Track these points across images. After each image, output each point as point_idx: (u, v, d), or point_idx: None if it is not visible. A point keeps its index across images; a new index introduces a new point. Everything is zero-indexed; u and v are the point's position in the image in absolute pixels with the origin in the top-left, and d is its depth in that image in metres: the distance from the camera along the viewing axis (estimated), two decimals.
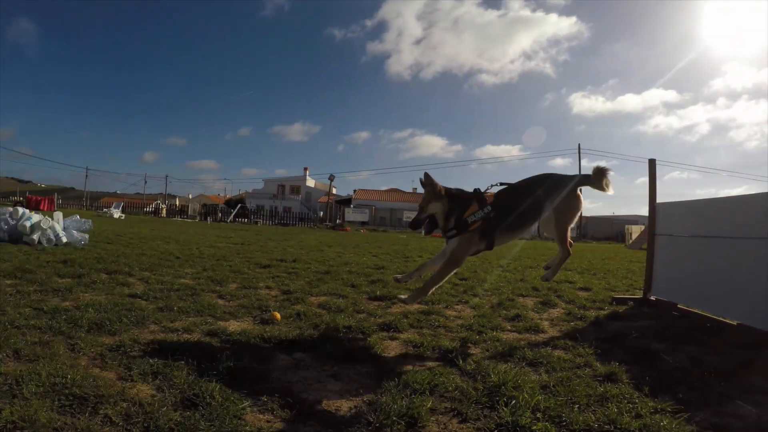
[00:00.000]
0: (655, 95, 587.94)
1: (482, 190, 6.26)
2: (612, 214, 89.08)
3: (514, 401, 3.77)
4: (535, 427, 3.39)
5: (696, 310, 7.76)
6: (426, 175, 6.15)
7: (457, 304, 8.00)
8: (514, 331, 6.37)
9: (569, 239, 6.48)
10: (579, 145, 73.60)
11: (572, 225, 6.54)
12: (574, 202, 6.37)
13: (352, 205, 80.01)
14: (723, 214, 7.60)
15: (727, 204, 7.83)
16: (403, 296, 6.55)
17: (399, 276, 6.82)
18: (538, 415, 3.60)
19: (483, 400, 3.87)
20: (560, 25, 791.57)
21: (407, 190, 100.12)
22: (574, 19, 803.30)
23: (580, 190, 6.40)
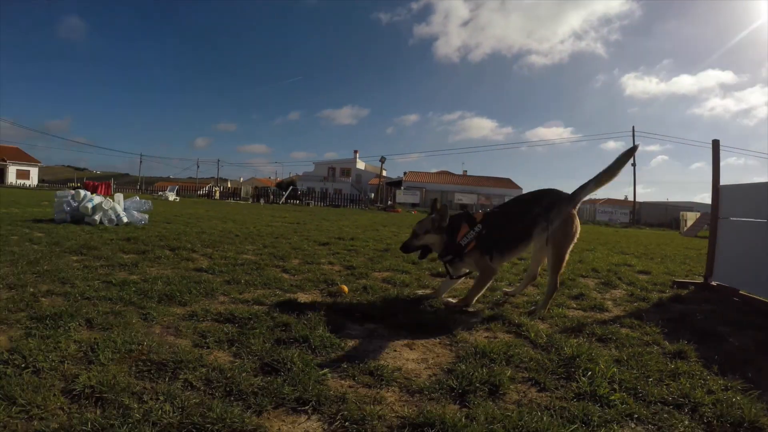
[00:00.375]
0: (711, 76, 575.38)
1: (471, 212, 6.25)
2: (666, 200, 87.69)
3: (590, 372, 3.81)
4: (613, 397, 3.41)
5: (759, 297, 7.55)
6: (444, 206, 6.08)
7: (519, 283, 7.76)
8: (579, 309, 6.34)
9: (562, 269, 6.15)
10: (633, 127, 72.38)
11: (569, 250, 6.14)
12: (572, 225, 6.03)
13: (402, 187, 79.58)
14: None
15: None
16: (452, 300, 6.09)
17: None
18: (615, 386, 3.62)
19: (559, 371, 3.91)
20: (611, 4, 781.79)
21: (457, 173, 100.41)
22: None
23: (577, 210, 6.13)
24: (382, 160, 74.33)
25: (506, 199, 67.40)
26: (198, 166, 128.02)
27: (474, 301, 5.91)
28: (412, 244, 6.10)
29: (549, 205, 5.93)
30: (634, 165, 69.45)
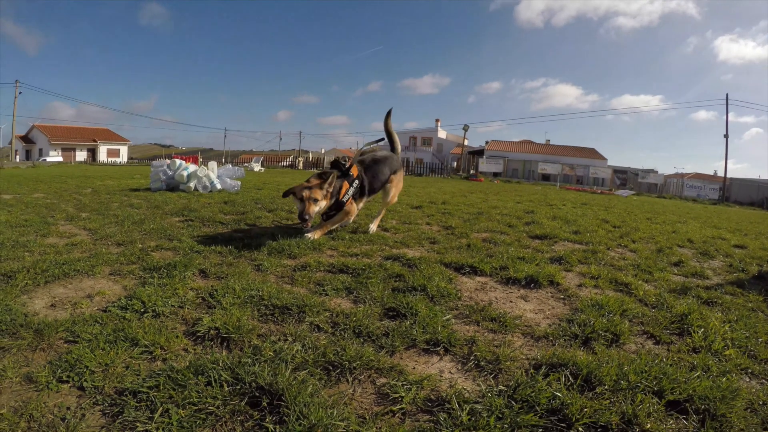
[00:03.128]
0: None
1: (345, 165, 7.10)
2: (758, 177, 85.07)
3: (703, 329, 3.85)
4: (727, 352, 3.48)
5: None
6: (332, 174, 6.76)
7: (618, 248, 7.97)
8: (680, 275, 6.31)
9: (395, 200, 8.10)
10: (727, 95, 69.97)
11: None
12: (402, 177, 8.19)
13: (485, 156, 78.59)
14: None
15: None
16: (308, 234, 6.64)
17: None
18: (728, 343, 3.67)
19: (672, 326, 3.97)
20: None
21: (540, 142, 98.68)
22: None
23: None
24: (465, 128, 73.60)
25: (590, 170, 66.63)
26: (280, 139, 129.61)
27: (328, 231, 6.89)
28: (308, 213, 6.41)
29: (395, 164, 7.81)
30: (726, 137, 67.45)
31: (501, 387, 2.63)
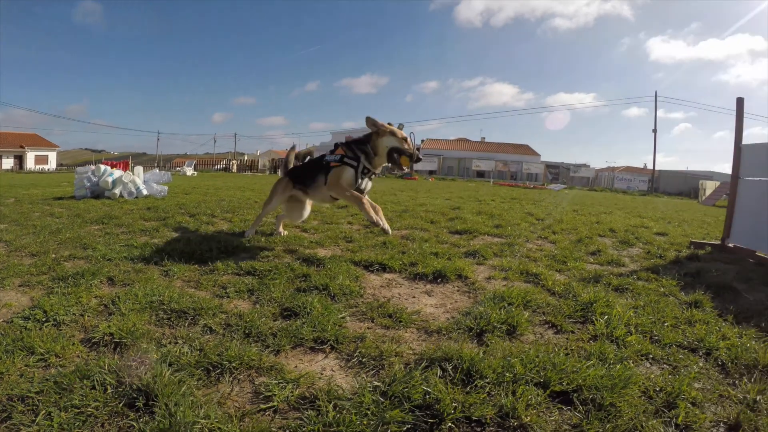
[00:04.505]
0: (741, 41, 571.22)
1: None
2: (686, 169, 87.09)
3: (606, 316, 3.91)
4: (629, 339, 3.53)
5: None
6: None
7: (538, 240, 8.09)
8: (596, 264, 6.43)
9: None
10: (656, 92, 71.78)
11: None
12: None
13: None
14: None
15: None
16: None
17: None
18: (631, 329, 3.72)
19: (576, 315, 4.02)
20: None
21: (475, 140, 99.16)
22: None
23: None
24: (400, 127, 73.91)
25: (524, 166, 67.79)
26: (215, 141, 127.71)
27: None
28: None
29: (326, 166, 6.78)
30: (655, 131, 69.29)
31: (376, 383, 2.58)
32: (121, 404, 2.37)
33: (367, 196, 6.35)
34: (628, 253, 7.46)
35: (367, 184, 6.47)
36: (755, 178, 8.44)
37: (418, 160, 6.28)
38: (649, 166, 78.45)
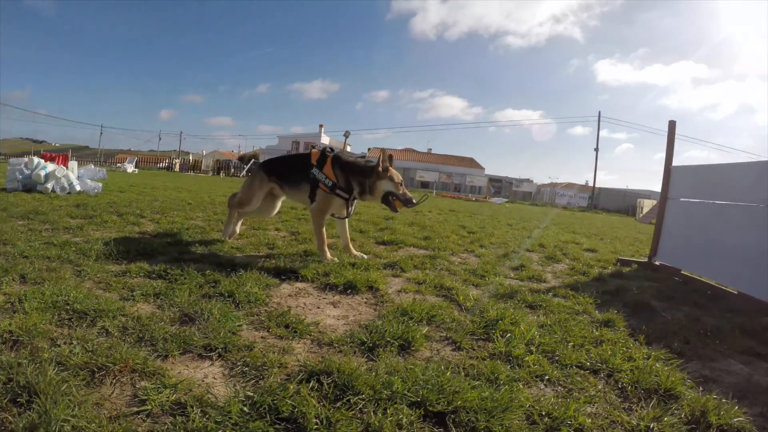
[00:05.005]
0: (685, 68, 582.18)
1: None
2: (626, 187, 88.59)
3: (509, 334, 3.88)
4: (527, 358, 3.49)
5: (698, 277, 7.73)
6: None
7: (464, 253, 8.14)
8: (516, 279, 6.47)
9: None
10: (599, 113, 72.68)
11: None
12: None
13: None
14: (733, 180, 7.56)
15: (739, 170, 7.70)
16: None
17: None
18: (532, 348, 3.71)
19: (479, 332, 3.99)
20: None
21: (422, 150, 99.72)
22: None
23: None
24: (347, 134, 73.79)
25: (467, 178, 68.27)
26: (160, 138, 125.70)
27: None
28: None
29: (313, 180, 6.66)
30: (596, 150, 70.39)
31: (250, 393, 2.58)
32: (6, 400, 2.35)
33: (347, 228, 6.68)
34: (552, 269, 7.55)
35: (353, 206, 6.52)
36: (682, 199, 8.63)
37: (412, 204, 6.27)
38: (591, 184, 79.68)
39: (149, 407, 2.44)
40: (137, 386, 2.64)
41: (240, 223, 7.42)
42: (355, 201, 6.54)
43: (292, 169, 6.71)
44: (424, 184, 73.03)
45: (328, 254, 6.25)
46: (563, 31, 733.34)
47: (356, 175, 6.35)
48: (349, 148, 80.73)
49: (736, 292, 6.69)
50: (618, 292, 6.18)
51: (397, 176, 6.35)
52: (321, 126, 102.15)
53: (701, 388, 3.38)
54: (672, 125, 9.09)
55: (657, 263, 8.71)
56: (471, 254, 8.13)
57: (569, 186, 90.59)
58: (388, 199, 6.26)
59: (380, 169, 6.26)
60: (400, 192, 6.23)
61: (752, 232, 6.71)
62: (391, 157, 6.43)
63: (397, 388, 2.75)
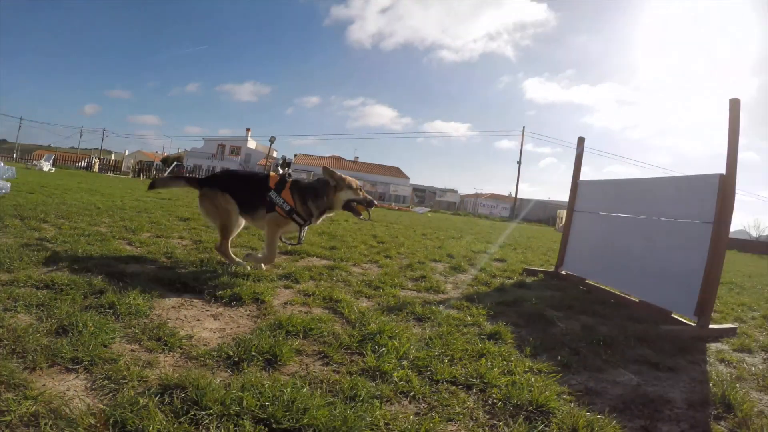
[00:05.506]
0: (609, 90, 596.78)
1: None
2: (548, 198, 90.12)
3: (383, 348, 3.92)
4: (396, 374, 3.49)
5: (602, 286, 8.04)
6: None
7: (367, 263, 8.20)
8: (413, 290, 6.54)
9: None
10: (524, 127, 74.14)
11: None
12: None
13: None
14: (634, 194, 7.93)
15: (639, 185, 8.07)
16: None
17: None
18: (405, 363, 3.72)
19: (354, 346, 4.00)
20: (530, 11, 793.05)
21: (349, 159, 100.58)
22: (544, 6, 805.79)
23: None
24: (272, 140, 73.04)
25: (391, 187, 68.70)
26: (81, 135, 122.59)
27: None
28: None
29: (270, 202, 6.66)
30: (519, 163, 71.60)
31: (101, 406, 2.63)
32: None
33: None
34: (455, 280, 7.69)
35: (304, 232, 6.62)
36: (587, 212, 8.87)
37: (374, 204, 6.51)
38: (514, 195, 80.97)
39: (9, 418, 2.45)
40: (2, 398, 2.63)
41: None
42: (307, 228, 6.61)
43: (251, 193, 6.59)
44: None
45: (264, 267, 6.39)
46: (496, 48, 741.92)
47: (316, 198, 6.47)
48: (275, 154, 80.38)
49: (637, 300, 7.02)
50: (515, 303, 6.28)
51: (354, 182, 6.57)
52: (248, 130, 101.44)
53: (579, 402, 3.43)
54: (581, 141, 9.40)
55: (563, 273, 9.06)
56: (374, 265, 8.18)
57: (493, 197, 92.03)
58: (350, 206, 6.48)
59: (335, 183, 6.47)
60: (361, 197, 6.46)
61: (651, 242, 7.04)
62: (326, 168, 6.60)
63: (247, 404, 2.76)
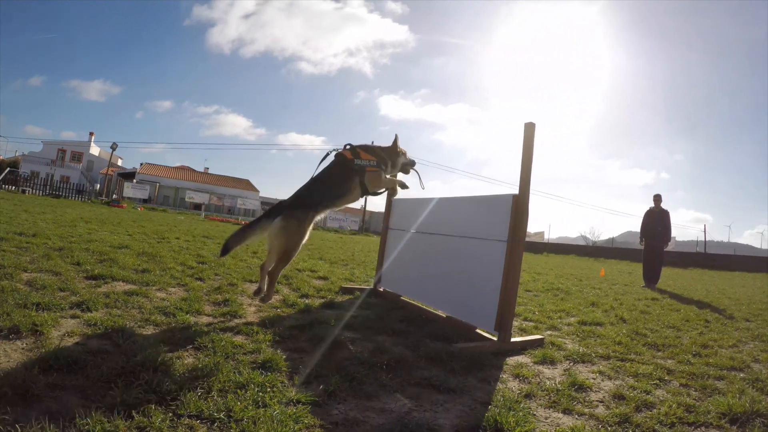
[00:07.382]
0: (460, 110, 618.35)
1: None
2: None
3: (138, 381, 3.80)
4: (141, 408, 3.41)
5: (415, 302, 8.50)
6: None
7: (175, 287, 8.02)
8: (210, 315, 6.45)
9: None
10: (372, 142, 75.15)
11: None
12: None
13: (134, 180, 76.55)
14: (442, 212, 8.53)
15: (446, 203, 8.61)
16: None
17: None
18: (150, 396, 3.59)
19: (114, 379, 3.85)
20: (391, 31, 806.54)
21: (198, 170, 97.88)
22: (405, 28, 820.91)
23: None
24: (114, 146, 69.91)
25: (239, 201, 68.46)
26: None
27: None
28: None
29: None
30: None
31: None
32: None
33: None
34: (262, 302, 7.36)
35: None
36: (401, 229, 9.27)
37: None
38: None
39: None
40: None
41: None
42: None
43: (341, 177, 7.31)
44: (196, 206, 70.91)
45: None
46: (355, 64, 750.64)
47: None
48: (120, 162, 78.39)
49: (445, 316, 7.49)
50: (311, 326, 6.22)
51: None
52: (92, 134, 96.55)
53: None
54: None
55: (381, 289, 9.39)
56: (182, 288, 7.98)
57: (343, 210, 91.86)
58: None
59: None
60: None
61: (457, 259, 7.62)
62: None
63: None
